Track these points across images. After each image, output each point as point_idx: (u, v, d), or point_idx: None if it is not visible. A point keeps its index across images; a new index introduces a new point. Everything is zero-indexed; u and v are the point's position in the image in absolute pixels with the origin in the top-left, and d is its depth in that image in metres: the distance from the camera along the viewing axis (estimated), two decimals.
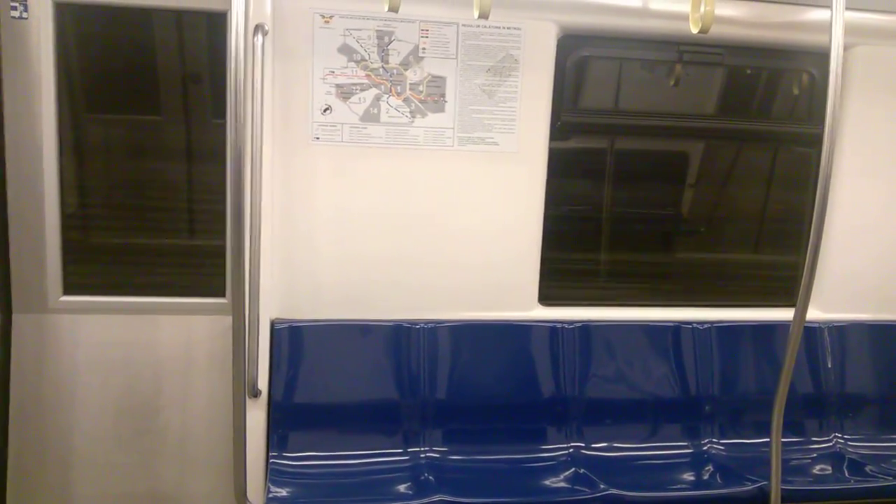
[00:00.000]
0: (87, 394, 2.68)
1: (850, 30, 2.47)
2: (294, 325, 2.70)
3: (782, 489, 2.50)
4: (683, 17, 2.51)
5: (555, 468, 2.70)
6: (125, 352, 2.68)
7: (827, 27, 2.21)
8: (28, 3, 2.43)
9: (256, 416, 2.57)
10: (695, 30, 2.46)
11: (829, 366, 3.06)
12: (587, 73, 2.90)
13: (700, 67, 2.99)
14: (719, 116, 3.10)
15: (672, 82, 3.01)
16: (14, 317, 2.60)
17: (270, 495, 2.37)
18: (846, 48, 2.47)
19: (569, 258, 3.10)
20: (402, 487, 2.49)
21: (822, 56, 2.65)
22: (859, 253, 3.10)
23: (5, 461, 2.65)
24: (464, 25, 2.65)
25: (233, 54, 2.04)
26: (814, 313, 3.03)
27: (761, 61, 3.01)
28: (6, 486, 2.67)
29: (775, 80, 3.11)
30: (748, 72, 3.06)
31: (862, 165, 3.02)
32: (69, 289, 2.65)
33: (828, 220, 2.47)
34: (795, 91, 3.13)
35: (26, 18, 2.44)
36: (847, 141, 2.97)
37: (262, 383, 2.59)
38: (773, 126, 3.16)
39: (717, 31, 2.48)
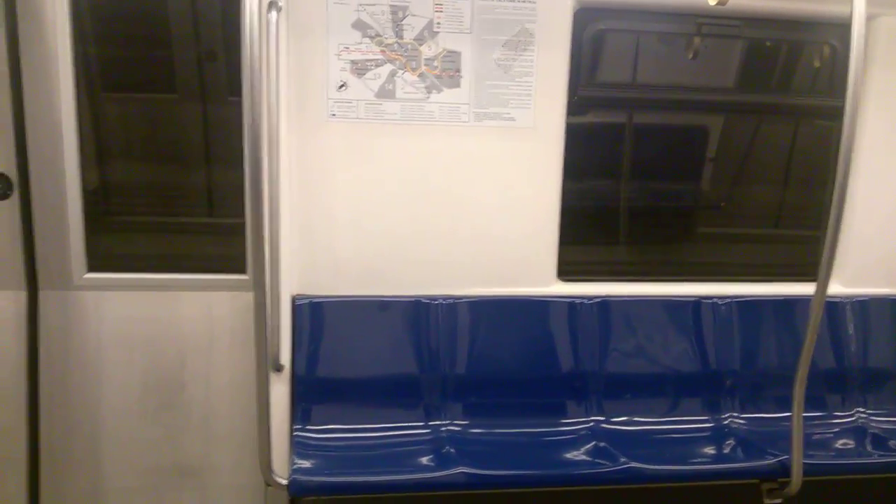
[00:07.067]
0: (112, 369, 2.73)
1: None
2: (314, 300, 2.73)
3: (804, 463, 2.49)
4: None
5: (575, 442, 2.70)
6: (149, 327, 2.72)
7: None
8: None
9: (279, 391, 2.60)
10: (713, 2, 2.44)
11: (852, 340, 3.03)
12: (604, 47, 2.88)
13: (718, 40, 2.96)
14: (738, 90, 3.06)
15: (690, 55, 2.98)
16: (40, 294, 2.66)
17: (295, 467, 2.40)
18: (869, 18, 2.43)
19: (588, 234, 3.10)
20: (424, 460, 2.52)
21: (843, 27, 2.62)
22: (882, 227, 3.06)
23: (37, 434, 2.71)
24: None
25: (247, 31, 2.04)
26: (836, 287, 3.00)
27: (781, 33, 2.97)
28: (39, 459, 2.73)
29: (795, 52, 3.07)
30: (768, 44, 3.02)
31: (884, 138, 2.97)
32: (93, 266, 2.70)
33: (849, 194, 2.44)
34: (816, 63, 3.08)
35: None
36: (869, 114, 2.93)
37: (285, 358, 2.62)
38: (794, 99, 3.12)
39: (735, 2, 2.45)
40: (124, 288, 2.70)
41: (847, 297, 3.05)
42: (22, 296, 2.62)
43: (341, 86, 2.63)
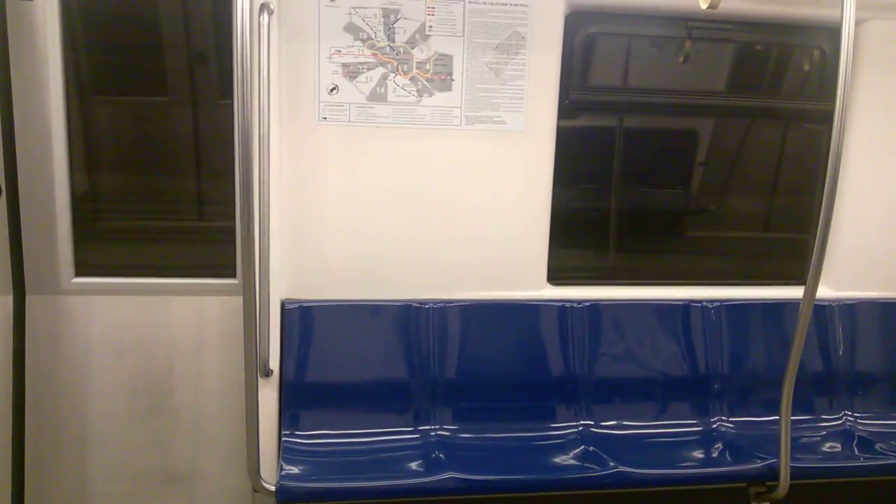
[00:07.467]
0: (100, 374, 2.72)
1: (863, 3, 2.44)
2: (304, 305, 2.72)
3: (791, 466, 2.51)
4: None
5: (564, 446, 2.71)
6: (138, 332, 2.71)
7: (839, 1, 2.18)
8: None
9: (268, 396, 2.59)
10: (704, 5, 2.44)
11: (840, 343, 3.05)
12: (595, 51, 2.87)
13: (709, 44, 2.96)
14: (729, 93, 3.07)
15: (681, 59, 2.98)
16: (28, 298, 2.63)
17: (283, 473, 2.39)
18: (858, 22, 2.44)
19: (578, 238, 3.10)
20: (413, 465, 2.51)
21: (833, 31, 2.63)
22: (870, 231, 3.08)
23: (23, 440, 2.69)
24: (470, 2, 2.63)
25: (239, 34, 2.03)
26: (824, 291, 3.02)
27: (771, 37, 2.98)
28: (24, 465, 2.71)
29: (786, 56, 3.08)
30: (758, 48, 3.03)
31: (873, 142, 2.99)
32: (81, 270, 2.68)
33: (838, 198, 2.45)
34: (806, 67, 3.09)
35: (32, 0, 2.44)
36: (859, 117, 2.94)
37: (274, 363, 2.61)
38: (784, 103, 3.12)
39: (726, 6, 2.45)
40: (112, 293, 2.69)
41: (835, 300, 3.07)
42: (9, 300, 2.60)
43: (332, 89, 2.61)
